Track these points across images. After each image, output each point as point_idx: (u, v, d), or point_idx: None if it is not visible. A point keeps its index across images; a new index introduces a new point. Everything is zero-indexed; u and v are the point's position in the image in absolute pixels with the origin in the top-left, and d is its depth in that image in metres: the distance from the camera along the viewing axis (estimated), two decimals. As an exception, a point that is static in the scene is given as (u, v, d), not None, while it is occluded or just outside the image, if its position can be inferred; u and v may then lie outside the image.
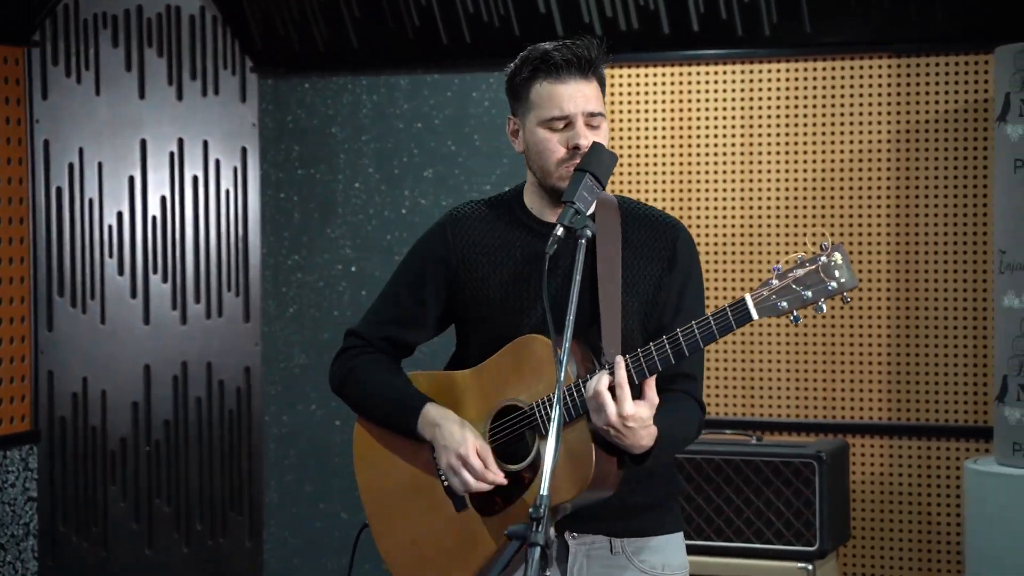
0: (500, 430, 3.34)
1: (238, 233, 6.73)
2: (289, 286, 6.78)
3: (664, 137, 6.21)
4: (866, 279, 5.94)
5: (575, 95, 3.29)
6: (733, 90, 6.11)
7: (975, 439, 5.84)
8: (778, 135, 6.05)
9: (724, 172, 6.12)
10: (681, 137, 6.19)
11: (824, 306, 3.09)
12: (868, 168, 5.96)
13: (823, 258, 3.07)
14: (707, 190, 6.15)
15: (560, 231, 3.19)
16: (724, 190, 6.13)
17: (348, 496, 6.65)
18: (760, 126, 6.08)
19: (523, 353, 3.31)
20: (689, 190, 6.17)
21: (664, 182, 6.22)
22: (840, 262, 3.06)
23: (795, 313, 3.10)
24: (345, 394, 3.51)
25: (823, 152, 6.01)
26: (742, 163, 6.11)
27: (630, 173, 6.27)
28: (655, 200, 6.17)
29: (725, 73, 6.11)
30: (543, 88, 3.31)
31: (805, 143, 6.03)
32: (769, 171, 6.08)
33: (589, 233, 3.19)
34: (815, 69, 6.01)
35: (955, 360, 5.85)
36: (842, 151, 5.98)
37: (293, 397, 6.77)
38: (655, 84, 6.23)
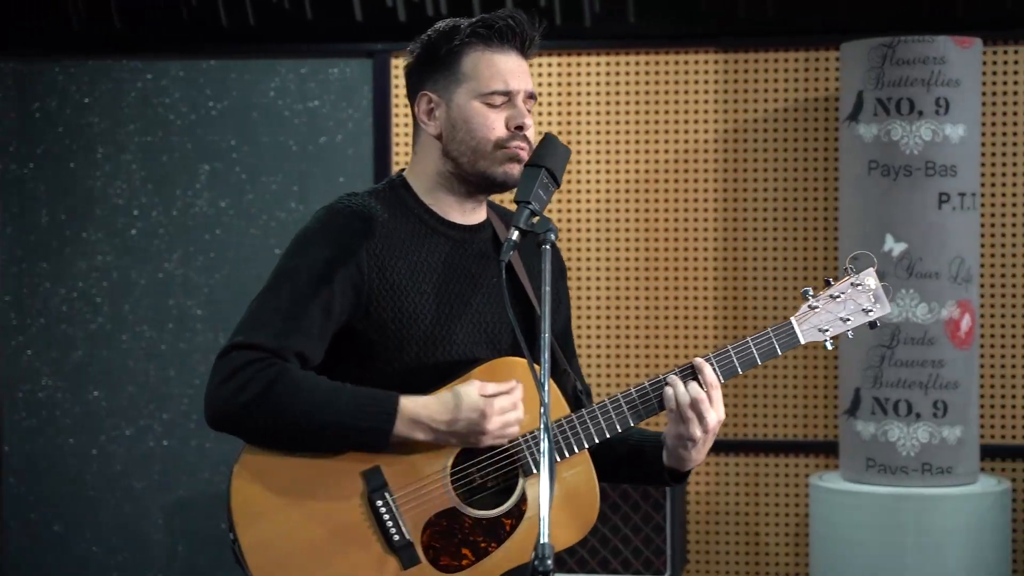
0: (469, 470, 2.80)
1: (-26, 237, 5.89)
2: (35, 297, 5.96)
3: (473, 133, 5.73)
4: (692, 286, 5.61)
5: (517, 70, 2.85)
6: (551, 83, 5.69)
7: (810, 454, 5.58)
8: (598, 132, 5.66)
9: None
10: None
11: (852, 333, 2.91)
12: (695, 168, 5.64)
13: (858, 281, 2.90)
14: (520, 191, 5.70)
15: (516, 235, 2.71)
16: (539, 191, 5.69)
17: (105, 533, 5.89)
18: (579, 122, 5.67)
19: (500, 379, 2.78)
20: (502, 191, 5.71)
21: (473, 182, 5.74)
22: (874, 286, 2.89)
23: (830, 340, 2.90)
24: (259, 415, 2.71)
25: (646, 151, 5.65)
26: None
27: (435, 172, 5.76)
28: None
29: (542, 65, 5.69)
30: (481, 57, 2.83)
31: (627, 140, 5.66)
32: (588, 170, 5.68)
33: (553, 237, 2.74)
34: (638, 63, 5.65)
35: (786, 372, 5.58)
36: (667, 149, 5.63)
37: (39, 424, 5.96)
38: (464, 76, 5.74)
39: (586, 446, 2.79)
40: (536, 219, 2.76)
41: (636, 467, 2.91)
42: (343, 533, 2.75)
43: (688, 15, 5.56)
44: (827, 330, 2.86)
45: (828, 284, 2.88)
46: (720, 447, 5.58)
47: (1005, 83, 5.46)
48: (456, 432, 2.71)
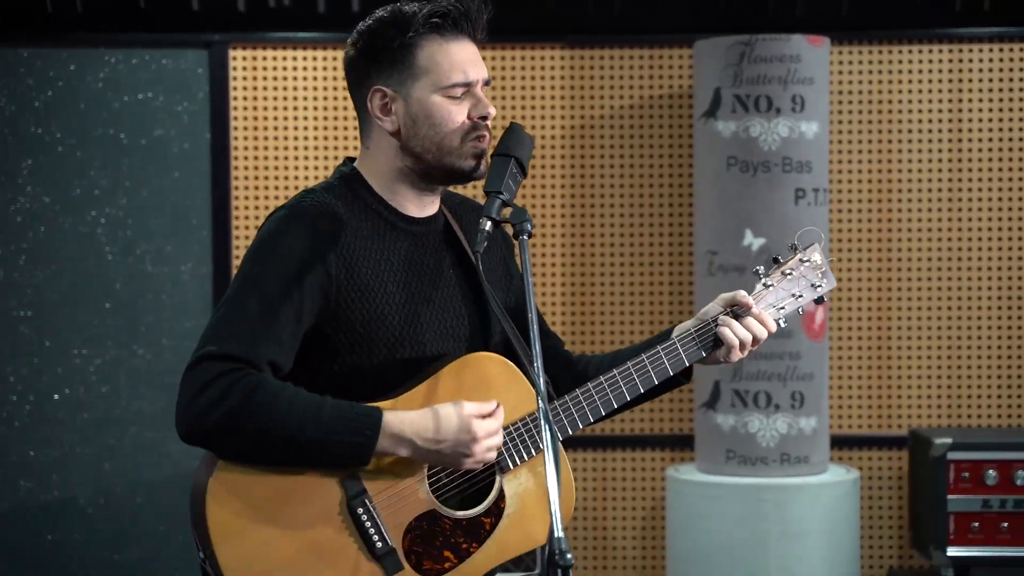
0: (445, 471, 2.75)
1: None
2: None
3: (315, 128, 5.60)
4: (540, 282, 5.60)
5: (474, 59, 2.82)
6: (395, 77, 5.59)
7: (657, 448, 5.63)
8: (444, 128, 5.59)
9: (383, 167, 5.60)
10: (335, 122, 5.60)
11: (802, 310, 2.96)
12: (543, 164, 5.62)
13: (808, 258, 2.94)
14: (365, 187, 5.59)
15: (489, 226, 2.72)
16: (383, 187, 5.60)
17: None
18: (425, 118, 5.59)
19: (470, 376, 2.75)
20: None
21: (315, 168, 5.61)
22: (821, 262, 2.95)
23: (783, 319, 2.93)
24: (237, 428, 2.59)
25: (493, 146, 5.59)
26: (403, 158, 5.60)
27: (276, 157, 5.60)
28: (304, 188, 5.54)
29: (386, 59, 5.58)
30: (437, 49, 2.78)
31: (474, 137, 5.60)
32: (434, 167, 5.60)
33: (530, 227, 2.73)
34: (485, 58, 5.55)
35: (635, 366, 5.61)
36: (513, 146, 5.59)
37: None
38: (307, 68, 5.60)
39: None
40: (508, 209, 2.75)
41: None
42: (324, 544, 2.66)
43: (536, 11, 5.54)
44: (782, 307, 2.90)
45: (777, 262, 2.93)
46: (570, 442, 5.58)
47: (841, 81, 5.62)
48: (441, 451, 2.65)
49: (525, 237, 2.72)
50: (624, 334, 5.61)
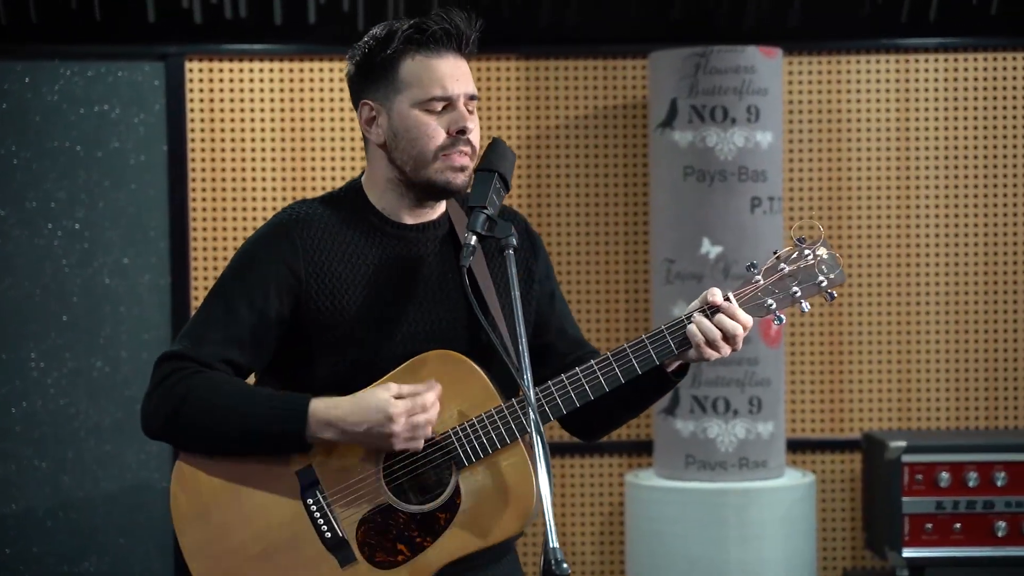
0: (401, 465, 2.80)
1: None
2: None
3: (273, 139, 5.61)
4: (498, 292, 5.63)
5: (456, 73, 2.86)
6: (343, 88, 5.59)
7: (615, 454, 5.69)
8: (401, 139, 5.61)
9: (337, 169, 5.62)
10: (292, 132, 5.61)
11: (808, 305, 2.83)
12: (498, 175, 5.66)
13: (810, 252, 2.82)
14: (322, 188, 5.61)
15: (474, 240, 2.78)
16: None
17: None
18: (382, 129, 5.61)
19: (427, 373, 2.79)
20: (303, 188, 5.61)
21: (272, 180, 5.62)
22: (827, 256, 2.83)
23: (780, 313, 2.83)
24: (181, 424, 2.77)
25: (450, 157, 5.64)
26: (358, 159, 5.63)
27: (234, 169, 5.60)
28: (262, 199, 5.57)
29: (342, 71, 5.59)
30: (418, 63, 2.84)
31: (430, 148, 5.63)
32: (391, 177, 5.63)
33: (515, 242, 2.81)
34: (440, 69, 5.63)
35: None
36: (470, 157, 5.63)
37: None
38: (263, 79, 5.61)
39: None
40: (495, 224, 2.79)
41: (634, 392, 2.85)
42: (280, 533, 2.78)
43: (490, 21, 5.56)
44: (770, 304, 2.78)
45: (775, 255, 2.83)
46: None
47: (792, 91, 5.70)
48: (366, 434, 2.72)
49: (510, 252, 2.79)
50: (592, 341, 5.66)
